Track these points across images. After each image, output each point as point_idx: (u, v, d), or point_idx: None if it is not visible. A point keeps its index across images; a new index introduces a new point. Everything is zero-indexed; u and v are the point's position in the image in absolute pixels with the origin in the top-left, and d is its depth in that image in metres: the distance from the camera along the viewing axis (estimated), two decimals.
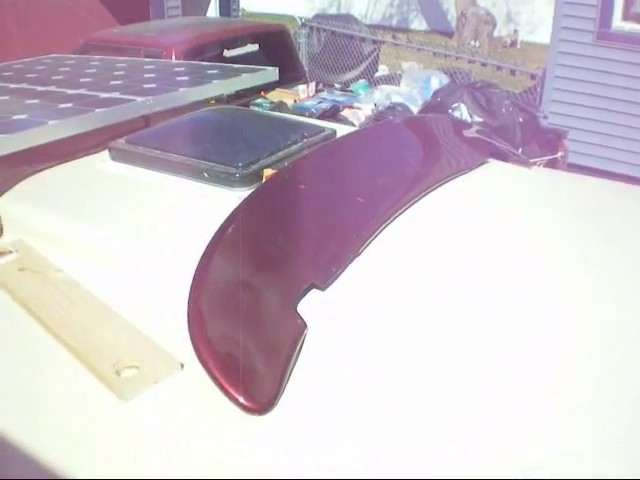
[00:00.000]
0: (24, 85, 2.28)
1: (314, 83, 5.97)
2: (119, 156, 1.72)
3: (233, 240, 1.28)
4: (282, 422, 0.95)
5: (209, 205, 1.48)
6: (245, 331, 1.07)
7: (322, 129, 1.83)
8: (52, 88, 2.19)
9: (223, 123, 1.86)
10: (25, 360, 1.13)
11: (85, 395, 1.03)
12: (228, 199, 1.43)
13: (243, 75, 2.28)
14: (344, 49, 8.52)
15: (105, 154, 1.75)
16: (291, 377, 1.01)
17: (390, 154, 1.75)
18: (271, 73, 2.40)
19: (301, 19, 9.29)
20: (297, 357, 1.03)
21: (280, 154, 1.63)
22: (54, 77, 2.42)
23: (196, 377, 1.02)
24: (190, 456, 0.91)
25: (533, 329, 1.11)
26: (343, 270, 1.21)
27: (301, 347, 1.05)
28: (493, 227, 1.45)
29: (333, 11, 17.28)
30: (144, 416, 0.98)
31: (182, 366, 1.06)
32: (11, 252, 1.40)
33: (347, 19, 9.70)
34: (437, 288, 1.22)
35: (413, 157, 1.81)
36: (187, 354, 1.06)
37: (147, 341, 1.11)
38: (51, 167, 1.72)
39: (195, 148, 1.64)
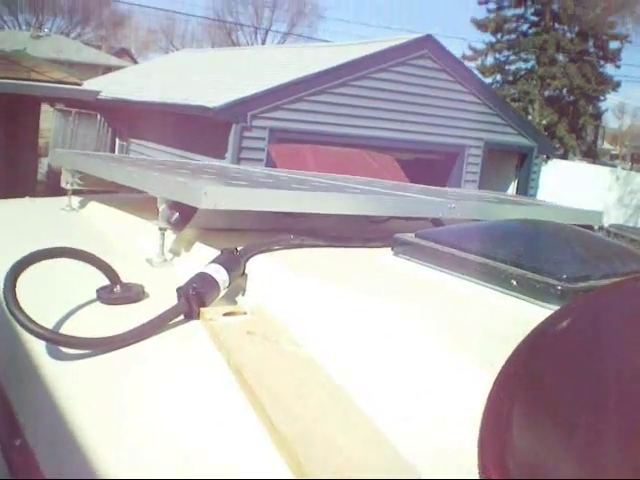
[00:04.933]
0: (309, 177, 2.10)
1: None
2: (404, 250, 1.39)
3: (543, 364, 0.84)
4: None
5: (514, 318, 1.06)
6: None
7: None
8: (342, 183, 1.96)
9: (540, 233, 1.45)
10: (220, 444, 0.76)
11: None
12: (539, 316, 1.00)
13: (563, 207, 1.90)
14: None
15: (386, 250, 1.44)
16: None
17: None
18: (596, 216, 1.98)
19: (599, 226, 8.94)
20: None
21: (617, 280, 1.17)
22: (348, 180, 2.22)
23: None
24: None
25: None
26: None
27: None
28: None
29: (631, 224, 16.61)
30: None
31: None
32: (244, 314, 1.09)
33: None
34: None
35: None
36: None
37: (396, 458, 0.69)
38: (322, 246, 1.43)
39: (504, 251, 1.25)
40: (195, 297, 1.09)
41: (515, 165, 11.14)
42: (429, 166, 9.71)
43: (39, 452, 0.91)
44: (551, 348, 0.76)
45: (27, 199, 2.47)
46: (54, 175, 13.47)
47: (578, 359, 0.75)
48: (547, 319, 0.83)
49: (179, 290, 1.11)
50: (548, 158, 12.99)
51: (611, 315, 0.87)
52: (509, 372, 0.69)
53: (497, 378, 0.68)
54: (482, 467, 0.60)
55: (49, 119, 12.95)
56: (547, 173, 15.68)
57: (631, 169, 28.13)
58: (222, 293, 1.17)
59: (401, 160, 8.72)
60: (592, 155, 30.59)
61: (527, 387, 0.69)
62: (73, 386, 0.92)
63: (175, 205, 1.40)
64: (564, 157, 25.68)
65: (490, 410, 0.64)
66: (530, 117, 22.46)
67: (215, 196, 1.25)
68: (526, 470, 0.60)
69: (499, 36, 29.33)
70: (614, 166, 26.65)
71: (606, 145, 42.29)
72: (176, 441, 0.76)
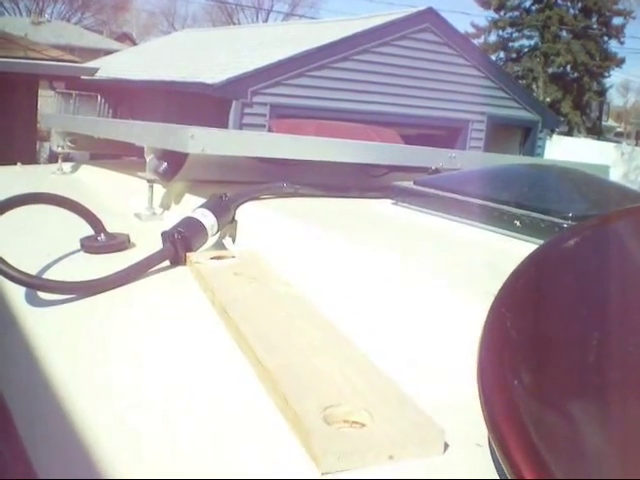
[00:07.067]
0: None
1: None
2: (403, 198, 1.33)
3: (546, 279, 0.78)
4: None
5: (517, 257, 1.00)
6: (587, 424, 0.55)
7: None
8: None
9: (544, 175, 1.39)
10: (205, 380, 0.71)
11: (265, 441, 0.58)
12: None
13: (568, 161, 1.83)
14: None
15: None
16: None
17: None
18: (604, 169, 1.92)
19: None
20: None
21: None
22: None
23: (466, 469, 0.52)
24: None
25: None
26: None
27: None
28: None
29: None
30: None
31: (446, 446, 0.57)
32: (233, 257, 1.03)
33: None
34: None
35: None
36: (453, 429, 0.57)
37: (393, 390, 0.63)
38: (317, 196, 1.37)
39: (506, 193, 1.19)
40: (181, 241, 1.04)
41: (519, 142, 11.01)
42: (432, 141, 9.60)
43: (14, 403, 0.87)
44: (555, 263, 0.71)
45: (18, 166, 2.43)
46: (56, 160, 13.39)
47: (580, 275, 0.69)
48: (551, 238, 0.78)
49: (164, 234, 1.05)
50: (552, 132, 12.84)
51: (615, 237, 0.82)
52: (510, 288, 0.63)
53: (497, 295, 0.62)
54: (482, 388, 0.55)
55: (50, 105, 12.89)
56: (551, 150, 15.53)
57: (636, 146, 27.90)
58: (210, 239, 1.12)
59: (404, 135, 8.63)
60: (597, 132, 30.33)
61: (528, 302, 0.64)
62: (53, 332, 0.87)
63: (163, 156, 1.35)
64: (569, 134, 25.49)
65: (491, 326, 0.59)
66: (535, 94, 22.28)
67: (202, 139, 1.19)
68: (526, 385, 0.54)
69: (502, 13, 29.05)
70: (619, 142, 26.38)
71: (611, 122, 41.96)
72: (161, 381, 0.71)
